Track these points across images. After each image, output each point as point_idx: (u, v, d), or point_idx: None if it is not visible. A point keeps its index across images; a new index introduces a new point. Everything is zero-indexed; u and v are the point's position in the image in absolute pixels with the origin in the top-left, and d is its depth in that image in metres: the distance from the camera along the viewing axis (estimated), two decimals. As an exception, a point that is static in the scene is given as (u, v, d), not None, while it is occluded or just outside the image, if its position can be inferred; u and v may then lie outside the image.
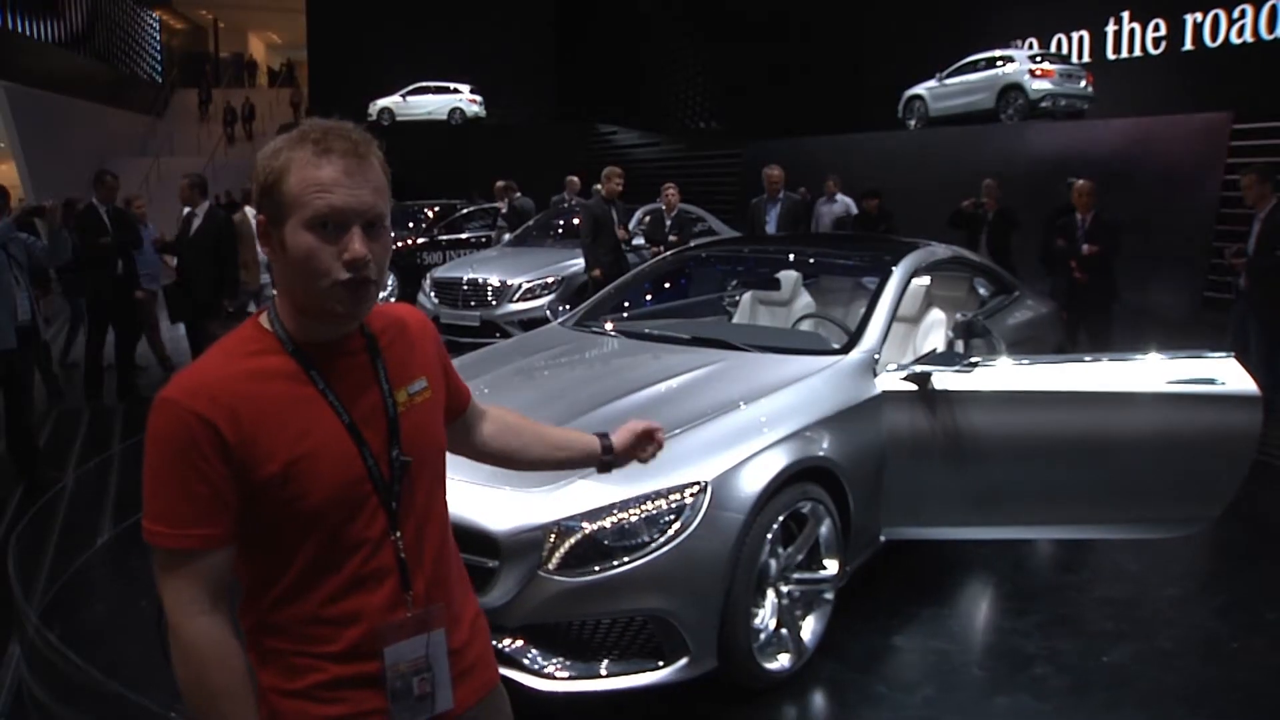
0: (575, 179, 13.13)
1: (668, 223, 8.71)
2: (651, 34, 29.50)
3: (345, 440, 1.31)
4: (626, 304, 5.17)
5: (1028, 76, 14.85)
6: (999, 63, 15.58)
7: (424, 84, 25.42)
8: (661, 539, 2.81)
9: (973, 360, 3.58)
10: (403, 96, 24.44)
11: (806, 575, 3.32)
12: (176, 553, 1.25)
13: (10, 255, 5.41)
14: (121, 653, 3.53)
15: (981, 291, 5.16)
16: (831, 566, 3.36)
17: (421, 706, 1.36)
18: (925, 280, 4.59)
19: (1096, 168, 13.53)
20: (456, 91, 24.88)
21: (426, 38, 30.66)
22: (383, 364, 1.38)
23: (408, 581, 1.35)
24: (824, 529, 3.32)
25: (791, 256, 5.10)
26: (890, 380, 3.61)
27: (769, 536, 3.05)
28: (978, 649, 3.51)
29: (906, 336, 4.46)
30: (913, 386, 3.58)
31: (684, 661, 2.87)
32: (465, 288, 9.00)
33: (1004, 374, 3.60)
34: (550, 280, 8.91)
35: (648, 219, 10.27)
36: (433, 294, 9.26)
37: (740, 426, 3.19)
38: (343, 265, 1.25)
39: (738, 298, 5.42)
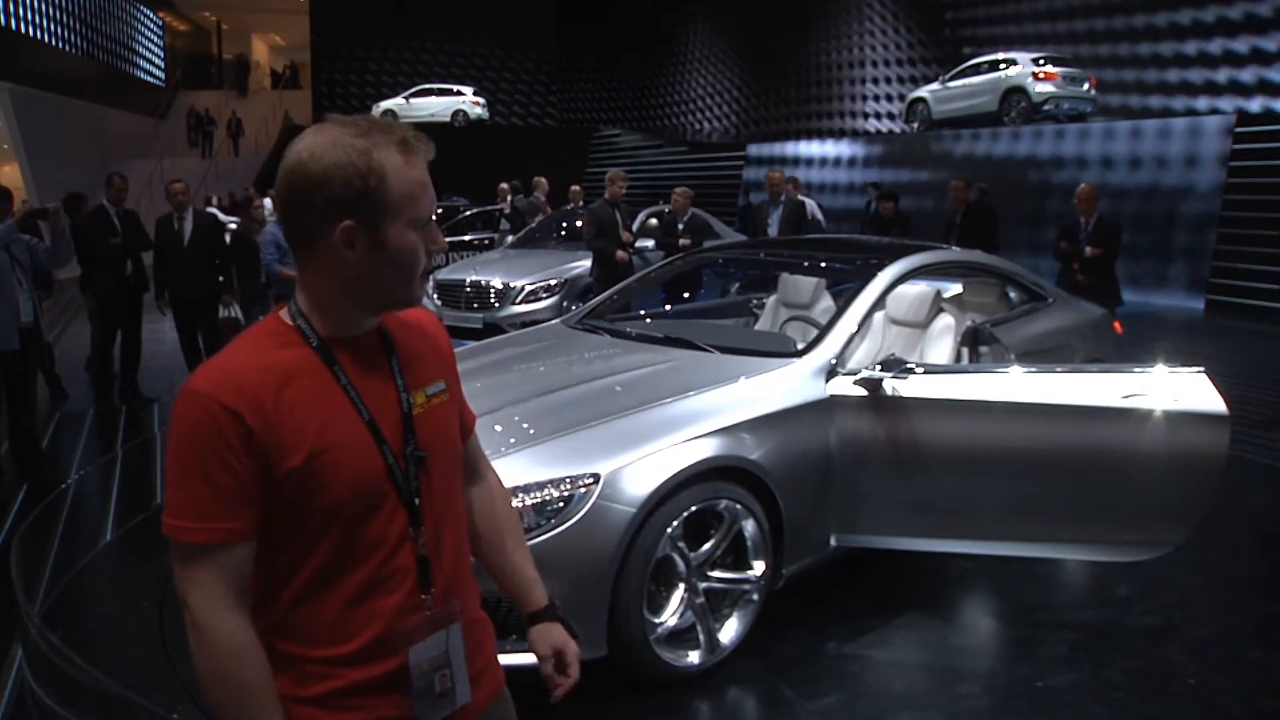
0: (543, 179, 13.23)
1: (680, 225, 8.72)
2: (654, 37, 29.53)
3: (365, 436, 1.31)
4: (646, 305, 5.16)
5: (1031, 79, 14.88)
6: (1002, 65, 15.60)
7: (427, 86, 25.50)
8: (546, 525, 2.88)
9: (908, 366, 3.48)
10: (406, 98, 24.48)
11: (725, 574, 3.33)
12: (200, 548, 1.23)
13: (13, 257, 5.41)
14: (124, 654, 3.52)
15: (1014, 297, 5.00)
16: (758, 568, 3.36)
17: (443, 703, 1.37)
18: (952, 287, 4.53)
19: (1098, 170, 13.57)
20: (460, 94, 24.90)
21: (430, 40, 30.74)
22: (398, 363, 1.39)
23: (429, 580, 1.35)
24: (749, 530, 3.32)
25: (805, 261, 5.08)
26: (843, 384, 3.57)
27: (669, 532, 3.07)
28: (911, 663, 3.42)
29: (914, 342, 4.44)
30: (863, 391, 3.53)
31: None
32: (468, 290, 9.00)
33: (957, 382, 3.50)
34: (553, 282, 8.91)
35: (652, 221, 10.28)
36: (435, 296, 9.27)
37: (653, 423, 3.22)
38: (429, 256, 1.35)
39: (764, 300, 5.43)
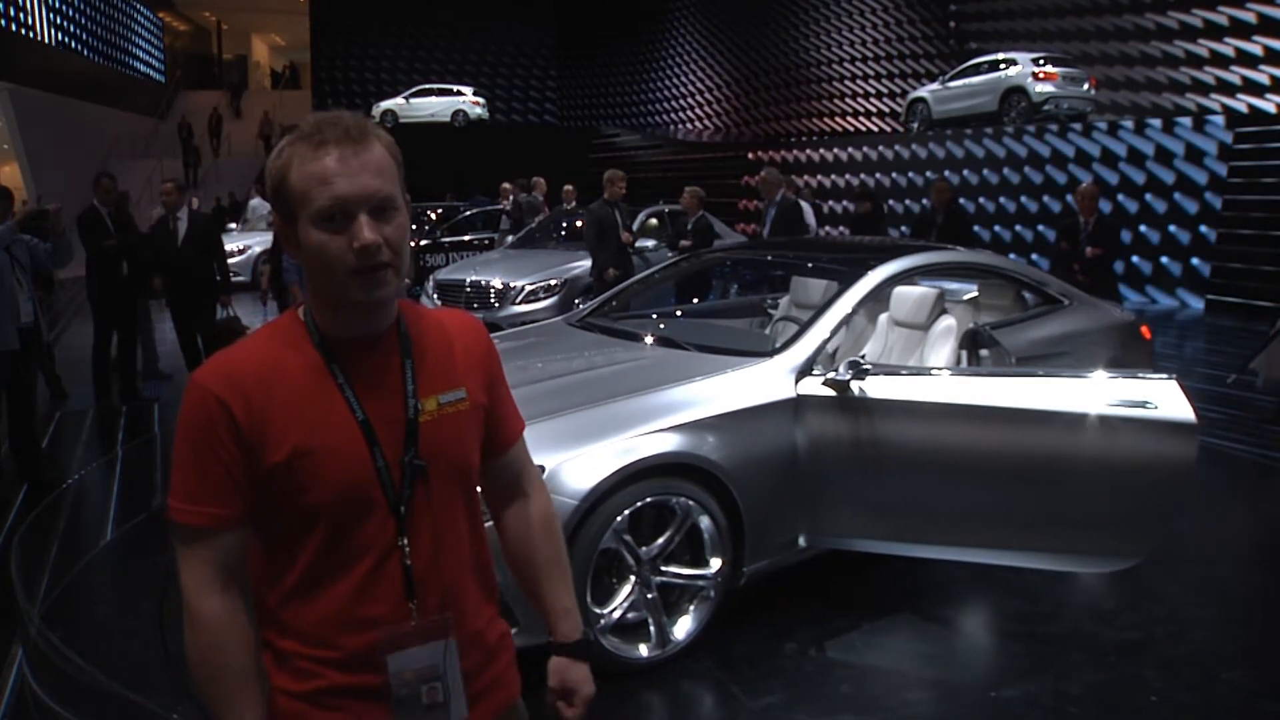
0: (541, 180, 13.25)
1: (688, 227, 8.73)
2: (653, 37, 29.53)
3: (357, 439, 1.29)
4: (658, 304, 5.16)
5: (1031, 79, 14.88)
6: (1002, 65, 15.60)
7: (427, 86, 25.50)
8: (488, 515, 2.94)
9: (864, 368, 3.45)
10: (406, 99, 24.48)
11: (679, 570, 3.34)
12: (190, 529, 1.27)
13: (13, 257, 5.42)
14: (124, 654, 3.52)
15: (1030, 299, 4.85)
16: (715, 565, 3.37)
17: (433, 716, 1.34)
18: (968, 288, 4.46)
19: (1099, 169, 13.57)
20: (460, 94, 24.91)
21: (430, 40, 30.75)
22: (412, 366, 1.35)
23: (413, 591, 1.32)
24: (705, 526, 3.33)
25: (797, 263, 5.09)
26: (812, 385, 3.54)
27: (615, 526, 3.11)
28: (866, 666, 3.38)
29: (916, 343, 4.43)
30: (831, 392, 3.50)
31: (512, 631, 2.98)
32: (468, 290, 9.01)
33: (921, 385, 3.46)
34: (553, 282, 8.92)
35: (652, 221, 10.30)
36: (435, 296, 9.28)
37: (607, 418, 3.25)
38: (354, 254, 1.24)
39: (779, 300, 5.45)
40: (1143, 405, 3.21)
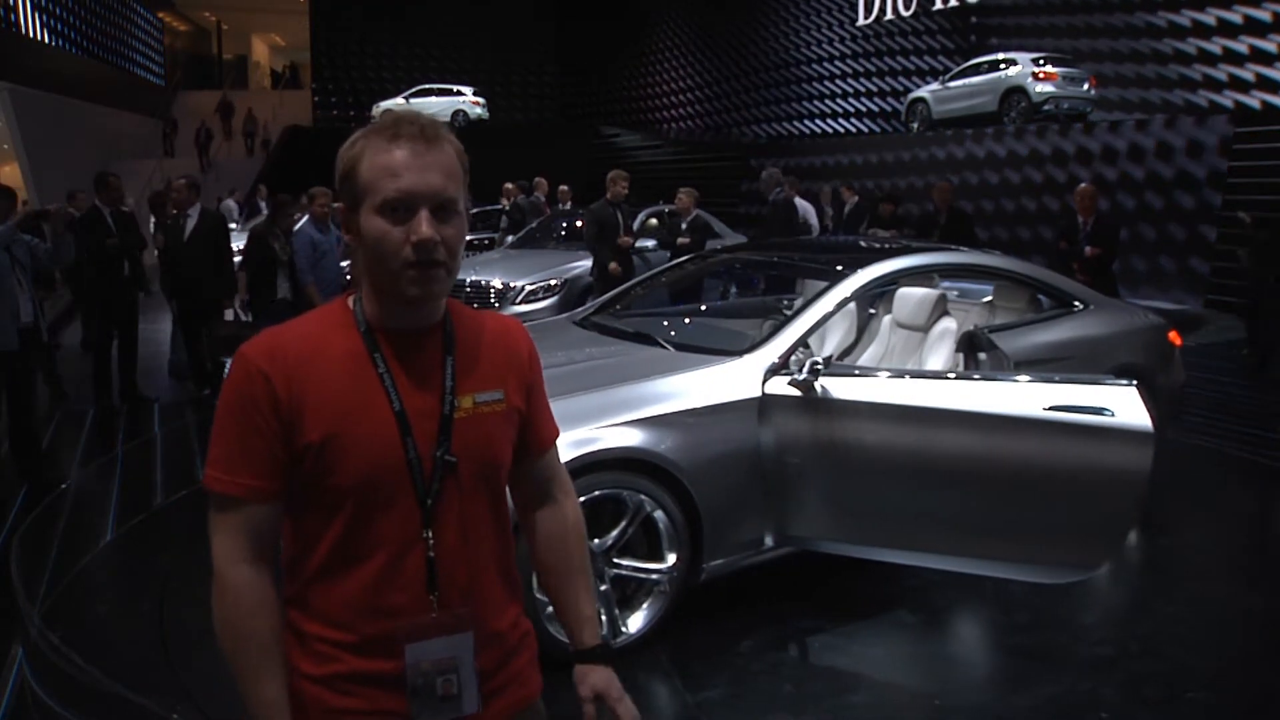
0: (543, 180, 13.23)
1: (683, 226, 8.74)
2: (654, 37, 29.52)
3: (391, 428, 1.31)
4: (666, 303, 5.16)
5: (1031, 79, 14.88)
6: (1002, 65, 15.61)
7: (427, 86, 25.54)
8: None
9: (818, 367, 3.44)
10: (406, 99, 24.50)
11: (632, 563, 3.36)
12: (225, 499, 1.30)
13: (13, 257, 5.42)
14: (124, 654, 3.52)
15: (1045, 302, 4.76)
16: (670, 560, 3.39)
17: (446, 707, 1.36)
18: (984, 291, 4.45)
19: (1099, 169, 13.56)
20: (460, 94, 24.93)
21: (430, 40, 30.73)
22: (453, 363, 1.38)
23: (435, 583, 1.34)
24: (660, 521, 3.35)
25: (791, 263, 5.11)
26: (779, 384, 3.54)
27: None
28: (817, 666, 3.36)
29: (914, 345, 4.42)
30: (796, 392, 3.50)
31: None
32: (468, 290, 9.01)
33: (884, 387, 3.43)
34: (553, 282, 8.93)
35: (652, 221, 10.31)
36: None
37: (561, 412, 3.24)
38: (411, 247, 1.27)
39: (794, 301, 5.46)
40: (1099, 412, 3.15)
